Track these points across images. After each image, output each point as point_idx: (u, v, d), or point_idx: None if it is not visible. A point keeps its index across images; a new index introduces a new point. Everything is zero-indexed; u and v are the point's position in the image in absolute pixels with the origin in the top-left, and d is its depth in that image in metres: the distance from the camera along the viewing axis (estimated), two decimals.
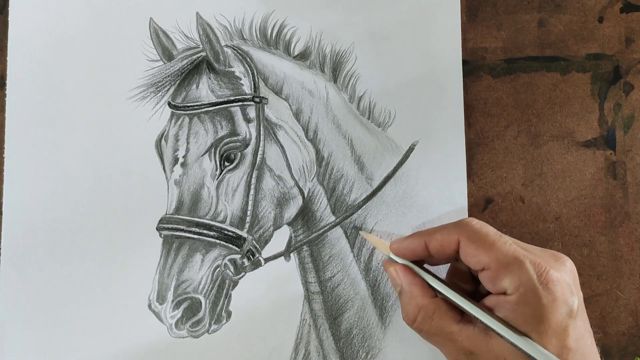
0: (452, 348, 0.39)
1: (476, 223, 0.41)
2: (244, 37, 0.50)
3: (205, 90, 0.49)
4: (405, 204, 0.50)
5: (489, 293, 0.40)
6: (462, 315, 0.40)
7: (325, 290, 0.49)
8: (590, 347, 0.38)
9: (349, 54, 0.50)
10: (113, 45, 0.50)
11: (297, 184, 0.49)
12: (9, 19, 0.51)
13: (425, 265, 0.44)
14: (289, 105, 0.50)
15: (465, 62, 0.51)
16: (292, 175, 0.49)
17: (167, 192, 0.49)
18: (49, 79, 0.50)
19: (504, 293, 0.38)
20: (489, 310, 0.38)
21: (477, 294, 0.43)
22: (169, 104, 0.50)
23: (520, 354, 0.36)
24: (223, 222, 0.48)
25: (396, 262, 0.44)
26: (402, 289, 0.42)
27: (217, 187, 0.48)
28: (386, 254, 0.45)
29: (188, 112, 0.49)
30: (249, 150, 0.49)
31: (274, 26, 0.50)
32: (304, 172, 0.50)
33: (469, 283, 0.44)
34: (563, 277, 0.38)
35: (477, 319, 0.38)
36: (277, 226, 0.49)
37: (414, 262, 0.43)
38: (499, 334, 0.37)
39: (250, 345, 0.48)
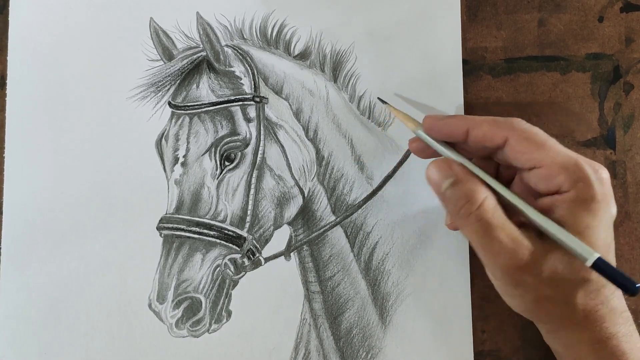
0: (490, 238, 0.38)
1: (525, 123, 0.40)
2: (244, 36, 0.50)
3: (205, 89, 0.49)
4: (405, 203, 0.50)
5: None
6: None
7: (325, 290, 0.49)
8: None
9: (349, 53, 0.51)
10: (113, 45, 0.50)
11: (297, 184, 0.49)
12: (9, 19, 0.51)
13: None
14: (289, 104, 0.50)
15: (465, 62, 0.51)
16: (292, 174, 0.49)
17: (167, 192, 0.49)
18: (49, 78, 0.50)
19: (557, 192, 0.38)
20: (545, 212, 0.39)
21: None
22: (169, 103, 0.50)
23: (572, 261, 0.37)
24: (223, 221, 0.48)
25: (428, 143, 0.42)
26: (457, 179, 0.40)
27: (218, 187, 0.48)
28: (413, 130, 0.43)
29: (188, 111, 0.49)
30: (249, 149, 0.49)
31: (274, 26, 0.51)
32: (304, 171, 0.50)
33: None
34: (609, 177, 0.40)
35: (533, 222, 0.38)
36: (277, 226, 0.49)
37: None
38: (558, 240, 0.37)
39: (250, 345, 0.48)
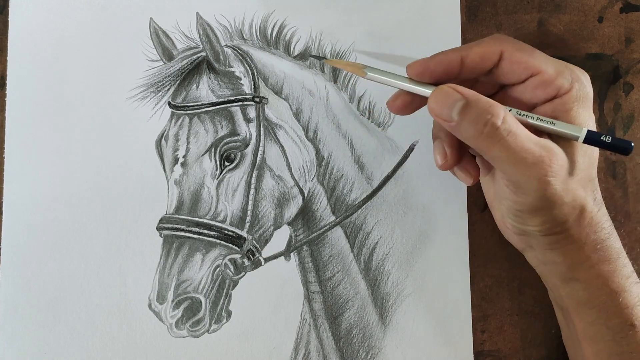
0: (522, 149, 0.36)
1: (509, 37, 0.41)
2: (244, 37, 0.50)
3: (205, 90, 0.49)
4: (405, 203, 0.50)
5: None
6: None
7: (325, 290, 0.49)
8: None
9: (349, 54, 0.51)
10: (113, 45, 0.50)
11: (297, 184, 0.49)
12: (9, 19, 0.51)
13: None
14: (289, 105, 0.50)
15: None
16: (292, 175, 0.49)
17: (167, 192, 0.49)
18: (49, 79, 0.50)
19: (555, 96, 0.40)
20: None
21: None
22: (169, 103, 0.50)
23: (579, 147, 0.39)
24: (223, 221, 0.48)
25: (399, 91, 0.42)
26: (469, 100, 0.37)
27: (217, 187, 0.48)
28: (361, 76, 0.42)
29: (188, 112, 0.49)
30: (249, 150, 0.49)
31: (274, 26, 0.51)
32: (304, 172, 0.50)
33: None
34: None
35: (541, 127, 0.39)
36: (277, 226, 0.49)
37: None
38: (553, 131, 0.39)
39: (250, 345, 0.48)
